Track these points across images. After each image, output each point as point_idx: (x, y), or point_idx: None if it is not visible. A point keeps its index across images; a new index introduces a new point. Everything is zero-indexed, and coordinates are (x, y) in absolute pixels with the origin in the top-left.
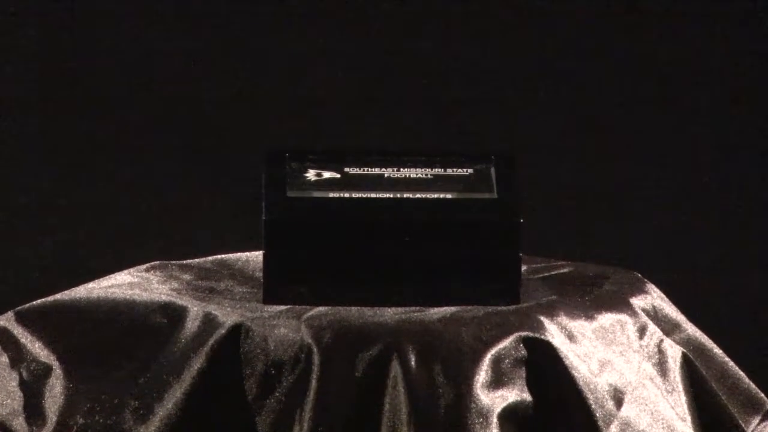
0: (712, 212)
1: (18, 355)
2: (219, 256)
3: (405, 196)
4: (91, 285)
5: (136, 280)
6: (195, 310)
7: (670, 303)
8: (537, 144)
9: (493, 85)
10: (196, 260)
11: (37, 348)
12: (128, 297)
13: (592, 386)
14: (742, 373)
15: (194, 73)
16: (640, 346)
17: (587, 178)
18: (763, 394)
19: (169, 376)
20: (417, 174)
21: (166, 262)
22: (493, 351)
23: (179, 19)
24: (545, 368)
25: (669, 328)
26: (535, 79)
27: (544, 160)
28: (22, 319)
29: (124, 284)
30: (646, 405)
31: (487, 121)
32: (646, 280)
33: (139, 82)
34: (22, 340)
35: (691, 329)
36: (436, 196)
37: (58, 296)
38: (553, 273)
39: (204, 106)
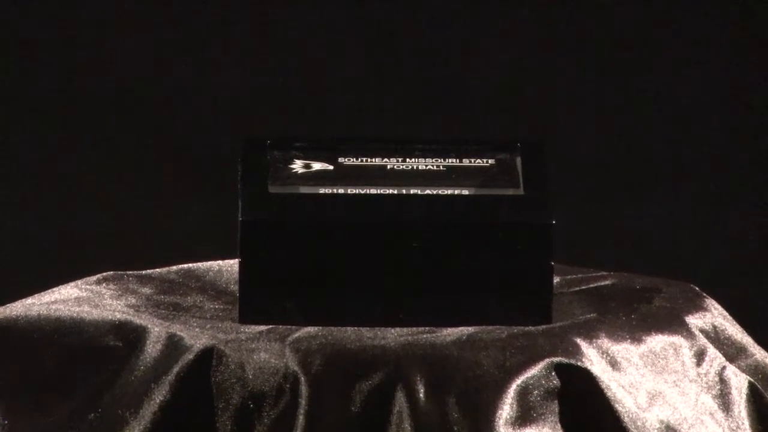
0: None
1: None
2: (185, 266)
3: (412, 192)
4: (29, 301)
5: (84, 294)
6: (156, 330)
7: (734, 322)
8: (566, 132)
9: (519, 64)
10: (158, 270)
11: None
12: (75, 315)
13: (639, 423)
14: None
15: (162, 60)
16: (698, 374)
17: (627, 171)
18: None
19: (126, 411)
20: (427, 165)
21: (121, 272)
22: (518, 381)
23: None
24: (582, 401)
25: (733, 352)
26: (570, 60)
27: (575, 150)
28: None
29: (70, 299)
30: None
31: (512, 103)
32: (705, 294)
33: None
34: None
35: (760, 354)
36: (449, 192)
37: None
38: (591, 286)
39: (163, 85)
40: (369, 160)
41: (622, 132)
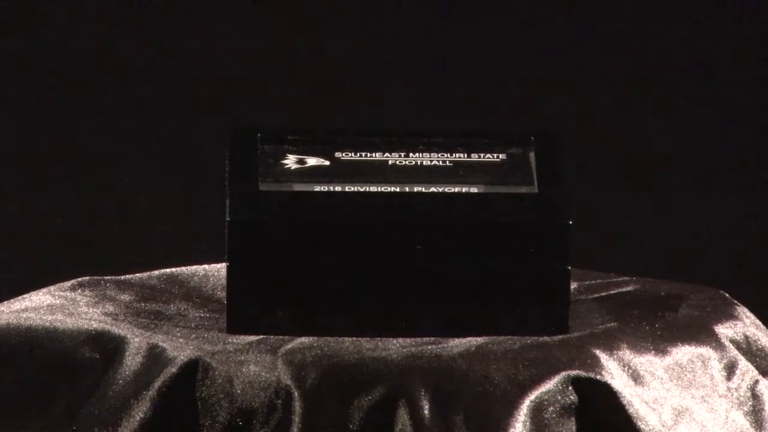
0: None
1: None
2: (168, 270)
3: (416, 190)
4: None
5: (58, 301)
6: (136, 341)
7: None
8: (582, 123)
9: (533, 52)
10: (138, 275)
11: None
12: (48, 324)
13: None
14: None
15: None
16: (728, 389)
17: (645, 165)
18: None
19: (103, 429)
20: (432, 161)
21: (98, 277)
22: (532, 396)
23: None
24: (602, 419)
25: (766, 365)
26: (587, 50)
27: (591, 142)
28: None
29: (43, 307)
30: None
31: (526, 93)
32: (735, 301)
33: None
34: None
35: None
36: (457, 190)
37: None
38: (612, 292)
39: (140, 75)
40: (369, 154)
41: (639, 124)
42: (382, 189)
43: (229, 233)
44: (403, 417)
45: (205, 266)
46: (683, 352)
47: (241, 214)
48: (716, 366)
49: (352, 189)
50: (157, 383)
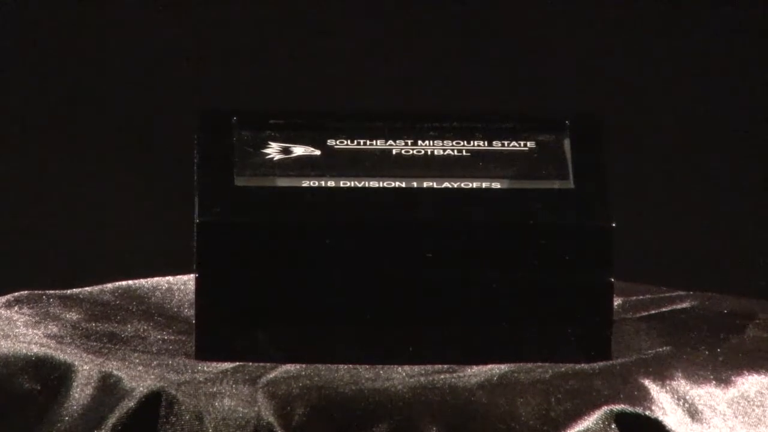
0: None
1: None
2: (124, 283)
3: (426, 185)
4: None
5: None
6: (86, 369)
7: None
8: (617, 104)
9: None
10: (88, 289)
11: None
12: None
13: None
14: None
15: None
16: None
17: (699, 157)
18: None
19: None
20: (445, 150)
21: (39, 292)
22: None
23: None
24: None
25: None
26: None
27: (632, 127)
28: None
29: None
30: None
31: (557, 69)
32: None
33: None
34: None
35: None
36: (475, 185)
37: None
38: (664, 309)
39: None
40: (368, 142)
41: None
42: (385, 184)
43: (199, 237)
44: None
45: (169, 278)
46: (751, 383)
47: (213, 215)
48: None
49: (348, 184)
50: (111, 420)
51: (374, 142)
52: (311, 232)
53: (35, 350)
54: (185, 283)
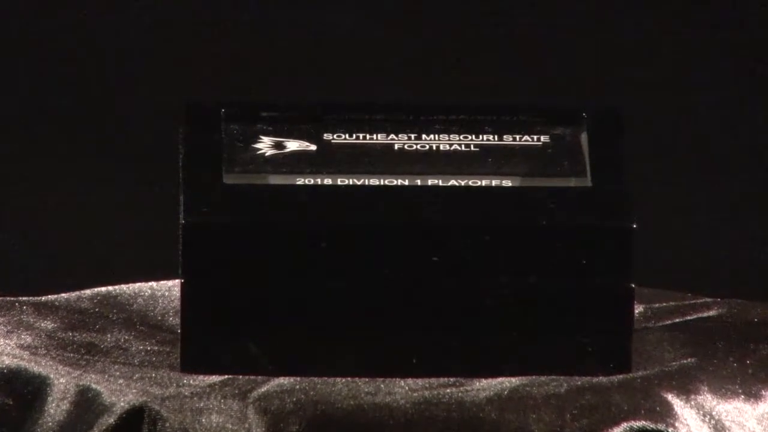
0: None
1: None
2: (103, 289)
3: (430, 183)
4: None
5: None
6: (62, 383)
7: None
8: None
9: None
10: (64, 296)
11: None
12: None
13: None
14: None
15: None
16: None
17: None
18: None
19: None
20: (452, 145)
21: (12, 298)
22: None
23: None
24: None
25: None
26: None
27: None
28: None
29: None
30: None
31: (575, 56)
32: None
33: None
34: None
35: None
36: (485, 183)
37: None
38: (688, 318)
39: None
40: (368, 137)
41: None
42: (386, 182)
43: (184, 239)
44: None
45: (152, 283)
46: None
47: (200, 215)
48: None
49: (346, 182)
50: None
51: (374, 136)
52: (306, 234)
53: (7, 362)
54: (170, 289)
